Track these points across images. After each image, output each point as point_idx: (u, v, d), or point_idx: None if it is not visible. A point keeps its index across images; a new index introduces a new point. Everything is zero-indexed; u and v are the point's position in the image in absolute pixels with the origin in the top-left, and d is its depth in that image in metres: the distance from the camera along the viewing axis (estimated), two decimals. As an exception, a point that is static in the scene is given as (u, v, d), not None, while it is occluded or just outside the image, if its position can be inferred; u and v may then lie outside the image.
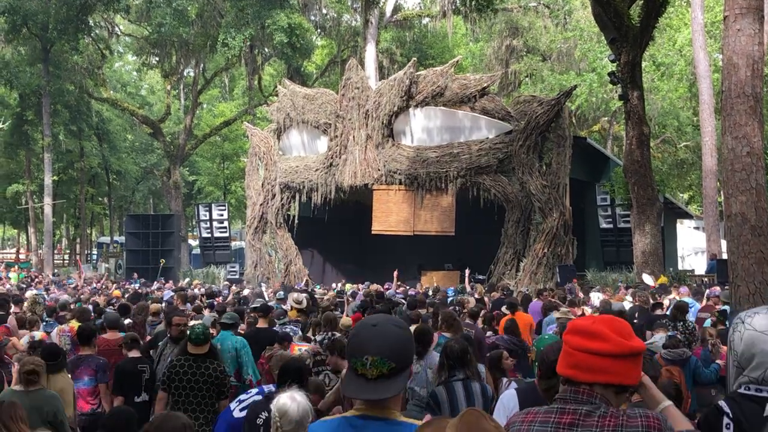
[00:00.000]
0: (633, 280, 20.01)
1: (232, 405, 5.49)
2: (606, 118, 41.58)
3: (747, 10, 10.83)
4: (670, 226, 29.00)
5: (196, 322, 8.79)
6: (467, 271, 21.50)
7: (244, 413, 5.20)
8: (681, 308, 10.79)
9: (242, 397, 5.48)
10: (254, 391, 5.54)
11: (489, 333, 10.83)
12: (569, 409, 2.50)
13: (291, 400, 4.06)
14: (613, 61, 20.97)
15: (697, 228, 40.88)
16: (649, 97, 29.54)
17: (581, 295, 17.15)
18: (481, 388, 5.65)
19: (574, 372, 2.53)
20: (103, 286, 24.19)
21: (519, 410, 4.35)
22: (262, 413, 4.89)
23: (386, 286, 20.73)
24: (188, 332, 7.18)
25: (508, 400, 4.50)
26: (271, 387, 5.42)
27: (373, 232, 25.39)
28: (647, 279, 18.62)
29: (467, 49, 48.18)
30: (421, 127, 24.42)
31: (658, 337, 9.34)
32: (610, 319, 2.59)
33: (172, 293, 17.85)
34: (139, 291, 20.00)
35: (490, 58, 42.90)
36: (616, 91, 24.97)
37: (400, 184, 24.59)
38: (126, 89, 57.57)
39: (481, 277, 24.12)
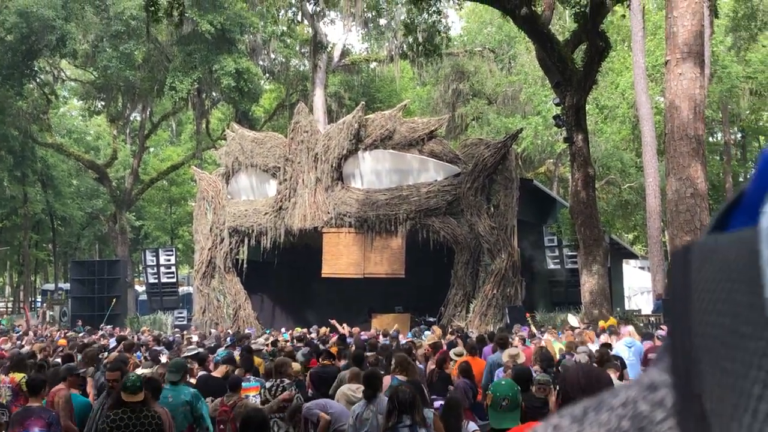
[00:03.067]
0: (581, 319, 20.09)
1: None
2: (551, 160, 42.20)
3: (688, 54, 11.14)
4: (616, 266, 29.34)
5: (146, 370, 8.61)
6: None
7: None
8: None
9: None
10: None
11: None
12: None
13: None
14: (557, 105, 21.32)
15: (642, 268, 41.38)
16: (593, 139, 30.07)
17: (535, 331, 17.15)
18: None
19: None
20: (48, 334, 23.48)
21: None
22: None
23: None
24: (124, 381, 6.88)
25: None
26: None
27: (323, 276, 25.24)
28: (572, 320, 18.64)
29: (414, 92, 48.68)
30: (370, 170, 24.49)
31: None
32: None
33: (116, 342, 17.29)
34: (83, 341, 18.89)
35: (437, 102, 43.40)
36: (561, 134, 25.34)
37: (350, 226, 24.54)
38: (72, 135, 56.74)
39: (431, 319, 24.08)
